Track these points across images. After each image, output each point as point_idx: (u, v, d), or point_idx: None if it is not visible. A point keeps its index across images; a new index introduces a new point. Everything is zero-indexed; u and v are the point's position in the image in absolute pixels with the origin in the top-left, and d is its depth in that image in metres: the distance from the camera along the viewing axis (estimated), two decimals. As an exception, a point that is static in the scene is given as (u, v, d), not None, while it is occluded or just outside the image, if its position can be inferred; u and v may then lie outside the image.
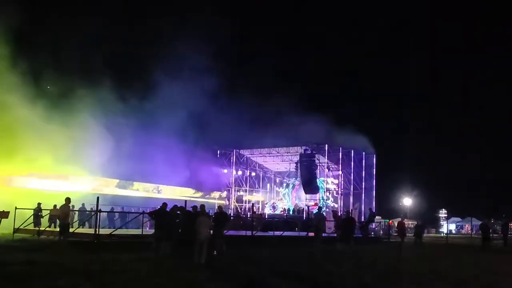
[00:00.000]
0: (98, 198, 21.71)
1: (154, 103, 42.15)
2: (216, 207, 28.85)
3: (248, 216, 40.32)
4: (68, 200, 21.02)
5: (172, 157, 42.19)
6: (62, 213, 20.92)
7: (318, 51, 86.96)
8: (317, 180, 45.46)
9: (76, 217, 28.64)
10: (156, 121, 42.95)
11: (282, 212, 46.01)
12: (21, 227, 26.52)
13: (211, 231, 19.37)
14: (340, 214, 31.69)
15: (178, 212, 20.55)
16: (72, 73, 37.74)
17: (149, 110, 42.32)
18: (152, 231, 20.96)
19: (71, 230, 22.16)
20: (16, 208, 26.52)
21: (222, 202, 47.70)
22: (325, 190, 46.89)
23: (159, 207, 20.33)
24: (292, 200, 50.57)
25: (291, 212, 46.33)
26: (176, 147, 41.97)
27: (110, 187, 42.47)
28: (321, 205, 39.31)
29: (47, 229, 26.65)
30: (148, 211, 22.60)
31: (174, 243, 19.01)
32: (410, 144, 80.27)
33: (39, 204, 29.72)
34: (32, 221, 27.66)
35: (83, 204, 32.00)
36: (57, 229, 23.14)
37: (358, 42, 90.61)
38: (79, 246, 20.81)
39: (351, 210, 40.21)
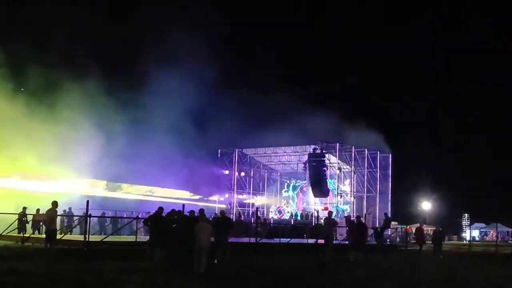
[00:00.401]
0: (88, 201, 21.84)
1: (148, 98, 42.29)
2: (218, 211, 29.05)
3: (252, 221, 40.44)
4: (55, 203, 21.13)
5: (167, 156, 42.31)
6: (49, 218, 21.02)
7: (327, 42, 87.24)
8: (327, 182, 45.50)
9: (64, 222, 28.72)
10: (150, 118, 43.10)
11: (291, 218, 46.01)
12: (4, 233, 26.66)
13: (212, 237, 19.49)
14: (352, 219, 31.78)
15: (176, 216, 20.68)
16: (58, 65, 37.91)
17: (143, 106, 42.46)
18: (147, 237, 21.09)
19: (58, 236, 22.28)
20: (-2, 212, 26.59)
21: (223, 206, 47.84)
22: (336, 193, 46.96)
23: (154, 212, 20.48)
24: (298, 204, 50.62)
25: (298, 217, 46.40)
26: (172, 146, 42.07)
27: (99, 189, 42.61)
28: (332, 210, 39.40)
29: (32, 235, 26.76)
30: (141, 216, 22.70)
31: (171, 250, 19.16)
32: (429, 142, 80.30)
33: (24, 208, 29.78)
34: (16, 226, 27.78)
35: (69, 208, 32.18)
36: (43, 235, 23.28)
37: (372, 35, 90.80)
38: (67, 254, 20.95)
39: (365, 214, 40.31)
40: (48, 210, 21.06)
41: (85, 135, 37.32)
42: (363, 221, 29.50)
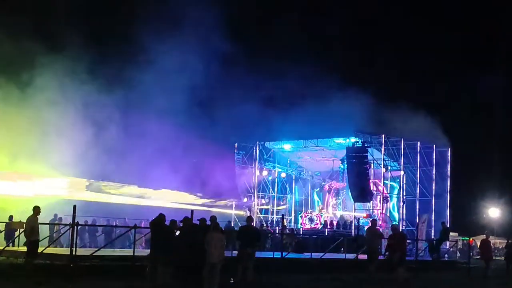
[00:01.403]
0: (75, 206, 22.10)
1: (145, 78, 42.43)
2: (232, 219, 29.36)
3: (277, 231, 40.73)
4: (36, 209, 21.46)
5: (171, 151, 42.47)
6: (29, 227, 21.35)
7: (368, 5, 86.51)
8: (371, 183, 45.47)
9: (47, 232, 28.97)
10: (148, 102, 43.13)
11: (329, 228, 46.07)
12: (-28, 246, 27.08)
13: (228, 251, 19.79)
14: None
15: (180, 224, 20.86)
16: (33, 36, 38.09)
17: (139, 88, 42.62)
18: (147, 251, 21.41)
19: (40, 249, 22.58)
20: (-35, 221, 26.97)
21: (241, 212, 48.12)
22: (382, 197, 46.88)
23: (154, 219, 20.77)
24: (324, 209, 50.75)
25: (332, 226, 46.51)
26: (176, 137, 42.15)
27: (84, 191, 42.77)
28: (376, 217, 39.55)
29: (7, 248, 27.14)
30: (144, 224, 22.85)
31: (176, 267, 19.47)
32: (498, 133, 79.64)
33: (-5, 215, 30.28)
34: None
35: (55, 215, 32.63)
36: (21, 248, 23.66)
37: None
38: (50, 271, 21.36)
39: (417, 224, 40.55)
40: (29, 218, 21.41)
41: (67, 124, 37.55)
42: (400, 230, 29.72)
